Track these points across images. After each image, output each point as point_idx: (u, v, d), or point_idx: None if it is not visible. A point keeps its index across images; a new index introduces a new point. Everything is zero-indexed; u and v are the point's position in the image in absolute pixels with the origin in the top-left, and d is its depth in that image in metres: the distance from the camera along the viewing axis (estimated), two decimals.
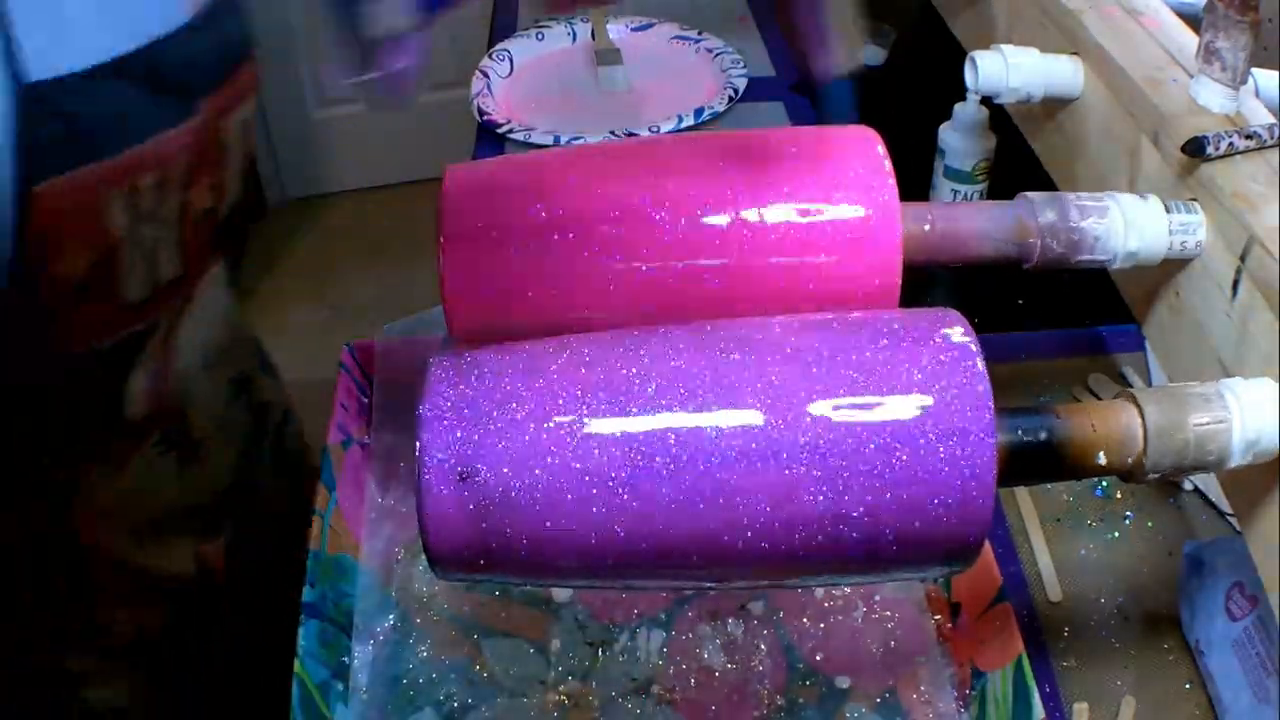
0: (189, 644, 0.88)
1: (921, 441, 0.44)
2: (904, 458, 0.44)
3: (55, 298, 0.69)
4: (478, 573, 0.46)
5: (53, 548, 0.80)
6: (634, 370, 0.45)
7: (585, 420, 0.44)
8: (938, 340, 0.46)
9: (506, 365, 0.47)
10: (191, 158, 0.73)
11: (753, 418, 0.44)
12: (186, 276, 0.79)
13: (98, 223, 0.69)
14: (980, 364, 0.45)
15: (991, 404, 0.45)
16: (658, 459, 0.44)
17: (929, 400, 0.45)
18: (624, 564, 0.45)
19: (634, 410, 0.44)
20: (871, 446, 0.44)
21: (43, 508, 0.78)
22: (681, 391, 0.45)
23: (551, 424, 0.44)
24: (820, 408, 0.44)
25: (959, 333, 0.47)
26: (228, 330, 0.90)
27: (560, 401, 0.45)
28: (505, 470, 0.44)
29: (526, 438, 0.44)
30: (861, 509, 0.44)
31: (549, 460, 0.44)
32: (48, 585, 0.81)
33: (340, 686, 0.69)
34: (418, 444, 0.44)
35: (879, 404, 0.44)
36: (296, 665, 0.64)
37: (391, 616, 0.74)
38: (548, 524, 0.44)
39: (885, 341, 0.46)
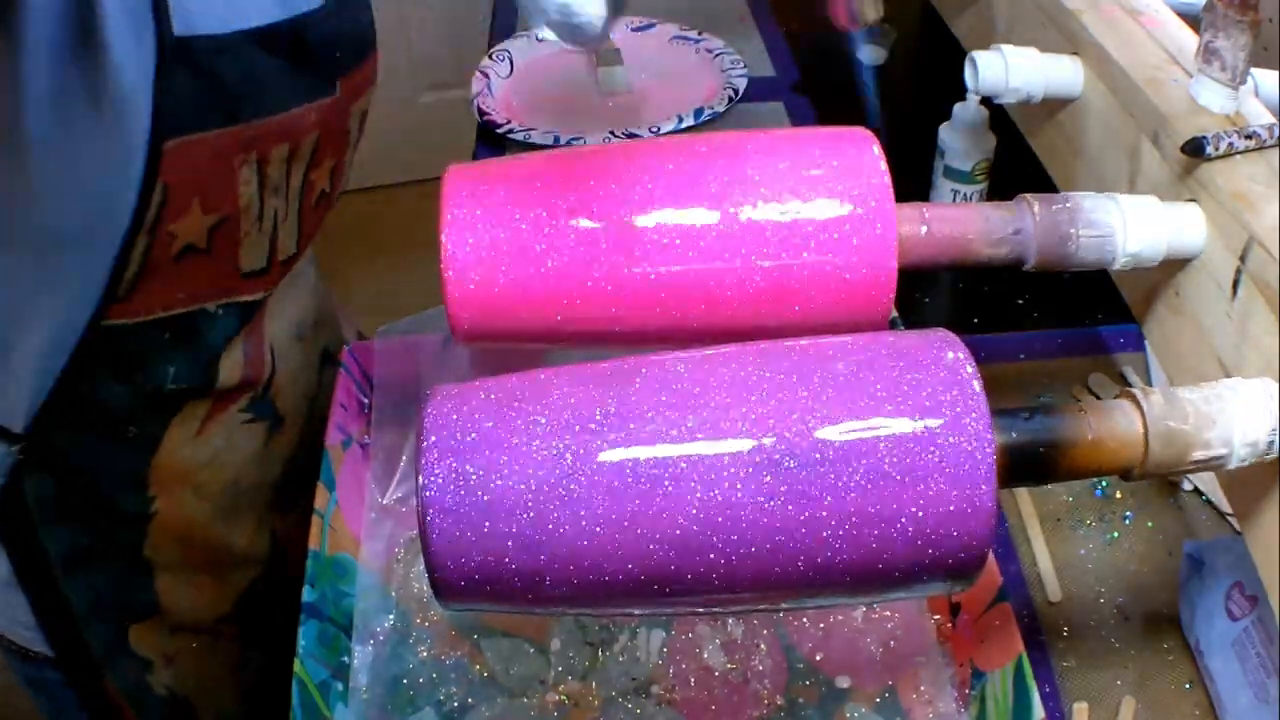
0: (258, 626, 0.86)
1: (920, 465, 0.44)
2: (902, 481, 0.44)
3: (170, 253, 0.68)
4: (486, 604, 0.47)
5: (124, 517, 0.78)
6: (634, 401, 0.46)
7: (590, 454, 0.44)
8: (935, 365, 0.46)
9: (505, 402, 0.46)
10: (321, 136, 0.74)
11: (755, 445, 0.44)
12: (297, 255, 0.79)
13: (225, 186, 0.69)
14: (978, 386, 0.45)
15: (991, 433, 0.45)
16: (660, 487, 0.44)
17: (927, 426, 0.45)
18: (625, 593, 0.46)
19: (635, 442, 0.45)
20: (869, 471, 0.44)
21: (119, 472, 0.77)
22: (682, 421, 0.45)
23: (555, 462, 0.44)
24: (819, 434, 0.44)
25: (957, 356, 0.47)
26: (318, 303, 0.91)
27: (564, 438, 0.45)
28: (512, 510, 0.44)
29: (530, 477, 0.44)
30: (861, 532, 0.44)
31: (554, 500, 0.44)
32: (115, 560, 0.80)
33: (340, 686, 0.69)
34: (419, 496, 0.44)
35: (874, 430, 0.45)
36: (296, 665, 0.64)
37: (391, 616, 0.74)
38: (554, 559, 0.44)
39: (882, 367, 0.46)
